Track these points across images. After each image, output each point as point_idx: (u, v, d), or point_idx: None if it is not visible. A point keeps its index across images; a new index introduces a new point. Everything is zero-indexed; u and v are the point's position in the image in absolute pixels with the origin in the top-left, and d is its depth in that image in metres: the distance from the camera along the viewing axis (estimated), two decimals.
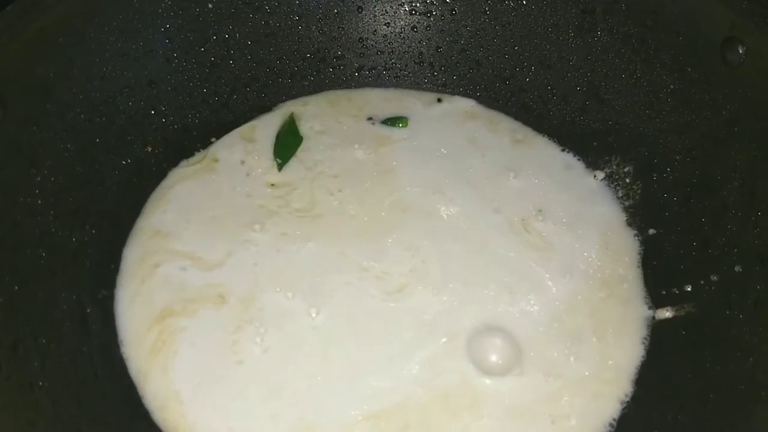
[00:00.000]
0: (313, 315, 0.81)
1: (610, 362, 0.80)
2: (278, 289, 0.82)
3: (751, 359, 0.72)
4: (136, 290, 0.83)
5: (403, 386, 0.76)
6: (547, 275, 0.86)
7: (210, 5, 0.94)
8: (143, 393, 0.77)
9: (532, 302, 0.83)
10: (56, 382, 0.71)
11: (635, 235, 0.90)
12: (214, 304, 0.81)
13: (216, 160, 0.94)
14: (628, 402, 0.78)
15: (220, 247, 0.85)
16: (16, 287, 0.73)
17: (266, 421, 0.74)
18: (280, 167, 0.94)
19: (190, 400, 0.75)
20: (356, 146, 0.96)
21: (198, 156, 0.95)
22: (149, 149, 0.92)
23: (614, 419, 0.77)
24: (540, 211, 0.91)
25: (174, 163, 0.94)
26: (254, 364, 0.77)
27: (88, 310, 0.80)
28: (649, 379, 0.80)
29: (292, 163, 0.94)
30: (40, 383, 0.69)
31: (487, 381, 0.78)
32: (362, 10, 1.02)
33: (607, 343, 0.81)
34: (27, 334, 0.71)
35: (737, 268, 0.78)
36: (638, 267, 0.87)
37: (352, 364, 0.78)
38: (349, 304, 0.82)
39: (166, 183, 0.92)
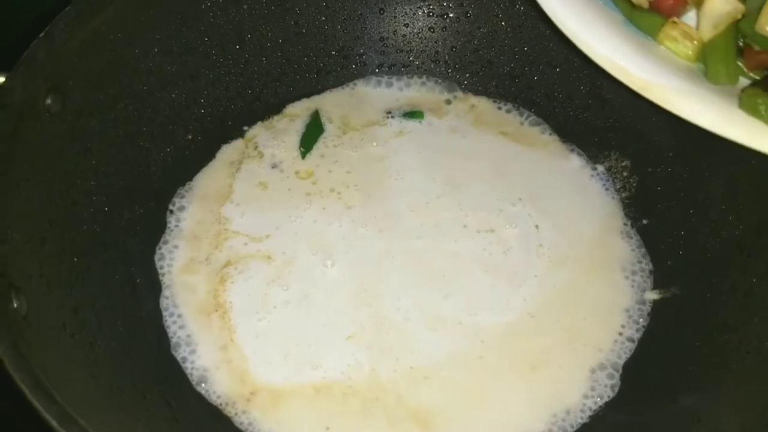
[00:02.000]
0: (332, 271, 0.93)
1: (600, 339, 0.88)
2: (314, 254, 0.94)
3: (726, 336, 0.81)
4: (200, 249, 0.95)
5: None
6: (546, 258, 0.94)
7: (245, 6, 1.01)
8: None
9: (528, 285, 0.92)
10: (111, 342, 0.80)
11: (630, 224, 0.98)
12: (264, 261, 0.93)
13: (255, 149, 1.03)
14: (619, 374, 0.87)
15: (270, 225, 0.97)
16: (75, 259, 0.81)
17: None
18: (303, 155, 1.03)
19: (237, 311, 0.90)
20: (373, 139, 1.05)
21: (236, 144, 1.04)
22: (190, 137, 1.01)
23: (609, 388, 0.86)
24: (541, 199, 1.00)
25: (212, 150, 1.02)
26: (281, 310, 0.90)
27: (138, 280, 0.89)
28: (638, 352, 0.88)
29: (315, 153, 1.03)
30: (99, 343, 0.78)
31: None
32: (384, 12, 1.09)
33: (597, 322, 0.90)
34: (86, 299, 0.80)
35: (718, 255, 0.86)
36: (631, 252, 0.96)
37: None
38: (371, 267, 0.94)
39: (211, 172, 1.02)
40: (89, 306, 0.80)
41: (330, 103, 1.09)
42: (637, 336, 0.89)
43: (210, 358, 0.86)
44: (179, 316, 0.89)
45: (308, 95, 1.09)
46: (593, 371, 0.86)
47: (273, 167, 1.02)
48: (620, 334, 0.89)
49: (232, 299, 0.90)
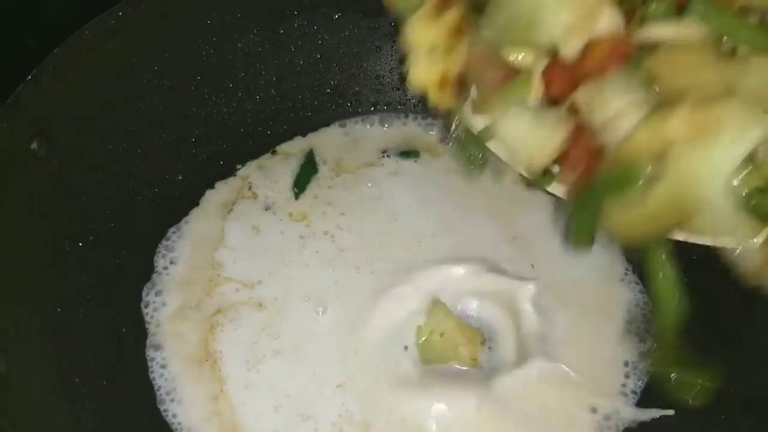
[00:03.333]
0: (323, 318, 0.90)
1: (599, 394, 0.86)
2: (306, 300, 0.92)
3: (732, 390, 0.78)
4: (192, 295, 0.92)
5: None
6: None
7: (239, 44, 0.99)
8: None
9: None
10: (94, 398, 0.78)
11: (631, 269, 0.95)
12: (255, 308, 0.91)
13: (249, 190, 1.01)
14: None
15: (262, 270, 0.94)
16: (59, 309, 0.79)
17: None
18: (296, 196, 1.01)
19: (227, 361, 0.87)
20: (367, 180, 1.03)
21: (228, 184, 1.02)
22: (180, 177, 0.99)
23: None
24: (537, 239, 0.98)
25: (203, 190, 1.00)
26: (271, 360, 0.88)
27: (124, 330, 0.86)
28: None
29: (308, 194, 1.01)
30: (81, 399, 0.76)
31: None
32: (380, 50, 1.07)
33: (596, 375, 0.87)
34: (68, 352, 0.78)
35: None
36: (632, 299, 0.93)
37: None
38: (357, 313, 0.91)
39: (202, 214, 0.99)
40: (71, 359, 0.78)
41: (324, 142, 1.07)
42: (638, 397, 0.86)
43: (199, 411, 0.83)
44: (166, 366, 0.86)
45: (303, 134, 1.07)
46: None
47: (266, 209, 1.00)
48: (622, 390, 0.86)
49: (222, 348, 0.88)
